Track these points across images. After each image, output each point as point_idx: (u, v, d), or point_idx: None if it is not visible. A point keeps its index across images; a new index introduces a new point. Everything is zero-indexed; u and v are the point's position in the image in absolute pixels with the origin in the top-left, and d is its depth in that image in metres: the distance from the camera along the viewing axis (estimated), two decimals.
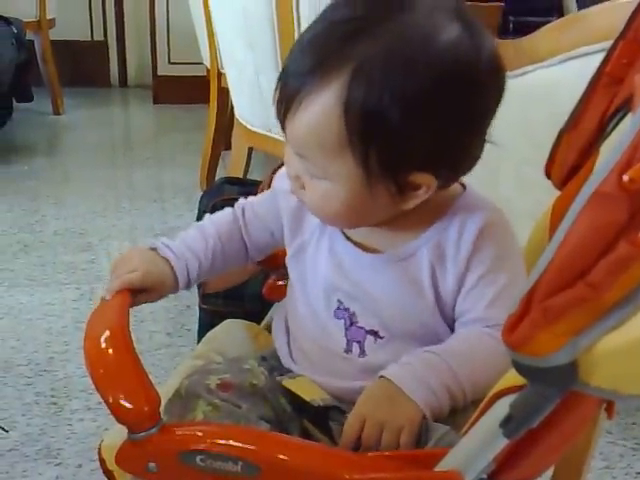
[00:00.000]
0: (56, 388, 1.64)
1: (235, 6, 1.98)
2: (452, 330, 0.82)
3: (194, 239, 0.91)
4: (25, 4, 3.54)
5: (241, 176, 2.17)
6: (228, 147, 2.68)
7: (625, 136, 0.50)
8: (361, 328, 0.83)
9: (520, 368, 0.56)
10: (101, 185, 2.88)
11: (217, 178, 2.38)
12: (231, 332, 1.00)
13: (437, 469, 0.65)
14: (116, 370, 0.73)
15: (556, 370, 0.54)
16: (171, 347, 1.78)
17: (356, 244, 0.84)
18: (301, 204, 0.85)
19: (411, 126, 0.72)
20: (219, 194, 1.67)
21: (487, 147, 1.50)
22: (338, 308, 0.84)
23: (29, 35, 3.53)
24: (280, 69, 1.90)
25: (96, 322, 0.77)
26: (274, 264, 1.01)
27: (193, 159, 2.91)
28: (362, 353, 0.83)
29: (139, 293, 0.84)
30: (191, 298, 1.87)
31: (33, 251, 2.30)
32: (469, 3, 1.77)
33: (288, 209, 0.89)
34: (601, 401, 0.66)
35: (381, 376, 0.76)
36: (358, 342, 0.83)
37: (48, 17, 3.67)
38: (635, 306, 0.51)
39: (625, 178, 0.49)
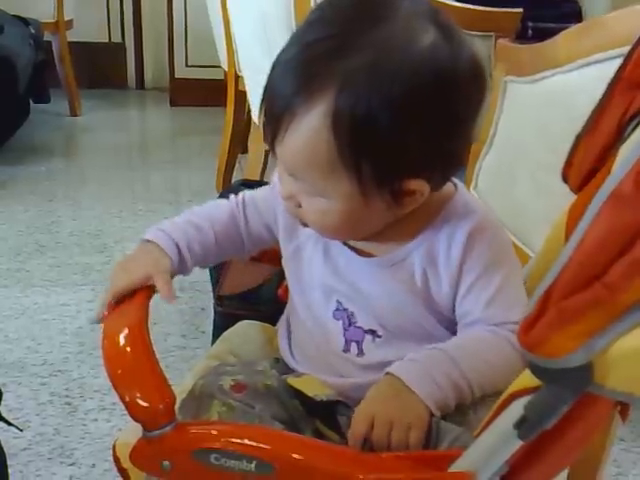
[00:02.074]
0: (70, 388, 1.65)
1: (254, 10, 1.99)
2: (448, 331, 0.83)
3: (187, 231, 0.90)
4: (43, 5, 3.56)
5: (258, 178, 2.18)
6: (245, 150, 2.69)
7: None
8: (359, 328, 0.84)
9: (535, 369, 0.56)
10: (117, 187, 2.90)
11: (234, 180, 2.39)
12: (246, 333, 1.01)
13: (450, 470, 0.65)
14: (133, 368, 0.73)
15: (571, 372, 0.54)
16: (186, 349, 1.78)
17: (350, 248, 0.85)
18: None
19: (399, 135, 0.72)
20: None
21: (503, 152, 1.50)
22: (337, 309, 0.85)
23: (47, 36, 3.55)
24: None
25: (115, 320, 0.78)
26: (267, 258, 1.01)
27: (210, 162, 2.92)
28: (360, 352, 0.84)
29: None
30: (206, 300, 1.88)
31: (49, 252, 2.31)
32: (488, 9, 1.78)
33: (284, 212, 0.89)
34: (615, 404, 0.65)
35: (387, 373, 0.77)
36: (356, 342, 0.85)
37: (66, 18, 3.69)
38: None
39: None
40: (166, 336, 1.83)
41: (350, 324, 0.85)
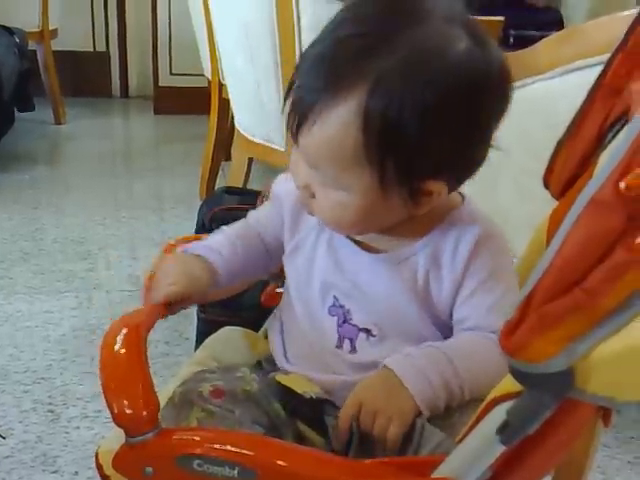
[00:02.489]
0: (53, 396, 1.64)
1: (236, 18, 1.99)
2: (442, 335, 0.83)
3: (220, 242, 0.92)
4: (28, 14, 3.55)
5: (241, 185, 2.18)
6: (228, 158, 2.70)
7: (621, 144, 0.51)
8: (354, 326, 0.84)
9: (517, 374, 0.56)
10: (101, 195, 2.89)
11: (217, 187, 2.40)
12: (229, 339, 1.01)
13: (433, 476, 0.65)
14: (121, 375, 0.73)
15: (553, 376, 0.54)
16: (169, 356, 1.78)
17: (355, 242, 0.86)
18: (296, 206, 0.87)
19: (427, 137, 0.73)
20: (219, 203, 1.67)
21: (486, 158, 1.51)
22: (333, 305, 0.86)
23: (31, 45, 3.54)
24: (281, 81, 1.92)
25: (116, 326, 0.78)
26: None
27: (193, 169, 2.92)
28: (353, 349, 0.85)
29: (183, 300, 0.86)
30: (189, 308, 1.87)
31: (32, 259, 2.30)
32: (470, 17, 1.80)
33: (288, 210, 0.90)
34: (597, 409, 0.66)
35: (384, 365, 0.77)
36: (350, 339, 0.85)
37: (50, 27, 3.68)
38: (631, 313, 0.51)
39: (622, 185, 0.50)
40: (149, 343, 1.81)
41: (345, 321, 0.85)
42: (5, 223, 2.56)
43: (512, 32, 2.07)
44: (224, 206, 1.65)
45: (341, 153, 0.75)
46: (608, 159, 0.51)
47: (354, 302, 0.84)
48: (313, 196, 0.81)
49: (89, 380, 1.68)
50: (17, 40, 3.29)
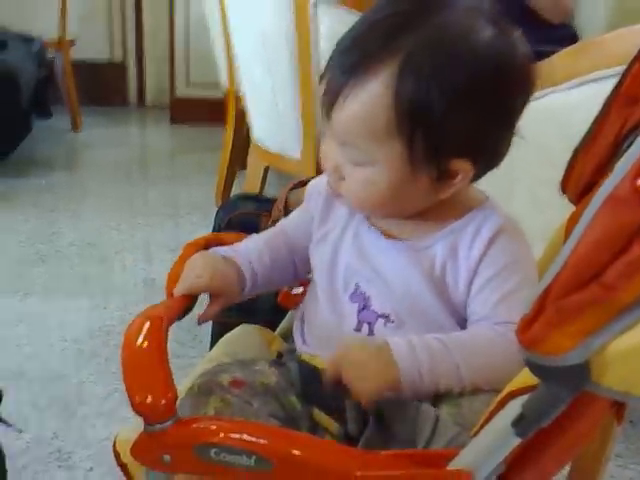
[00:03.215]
0: (69, 394, 1.66)
1: (254, 29, 2.01)
2: (459, 325, 0.85)
3: (248, 247, 0.95)
4: (46, 23, 3.58)
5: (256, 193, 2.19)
6: (244, 167, 2.71)
7: (639, 143, 0.52)
8: (374, 312, 0.86)
9: (533, 367, 0.57)
10: (117, 201, 2.91)
11: (232, 194, 2.41)
12: (245, 336, 1.03)
13: (449, 468, 0.66)
14: (140, 364, 0.74)
15: (568, 370, 0.55)
16: (183, 358, 1.79)
17: (379, 230, 0.88)
18: (331, 196, 0.90)
19: (455, 114, 0.76)
20: (235, 209, 1.69)
21: (502, 168, 1.52)
22: (354, 292, 0.87)
23: (50, 53, 3.57)
24: (297, 91, 1.94)
25: (138, 318, 0.79)
26: None
27: (208, 178, 2.94)
28: (371, 333, 0.86)
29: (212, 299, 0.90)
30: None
31: (49, 261, 2.33)
32: None
33: (318, 204, 0.93)
34: (611, 404, 0.67)
35: (385, 341, 0.79)
36: (368, 323, 0.86)
37: (69, 37, 3.71)
38: None
39: (639, 182, 0.51)
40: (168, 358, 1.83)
41: (365, 307, 0.87)
42: (23, 226, 2.59)
43: None
44: (240, 212, 1.67)
45: (372, 126, 0.78)
46: (626, 157, 0.52)
47: (374, 288, 0.86)
48: (343, 178, 0.83)
49: (104, 379, 1.70)
50: (36, 48, 3.32)
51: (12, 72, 3.00)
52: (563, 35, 2.26)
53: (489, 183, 1.47)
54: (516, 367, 0.63)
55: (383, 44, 0.77)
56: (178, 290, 0.87)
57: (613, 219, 0.53)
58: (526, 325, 0.56)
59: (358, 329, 0.87)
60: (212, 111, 3.54)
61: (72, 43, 3.79)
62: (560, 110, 1.25)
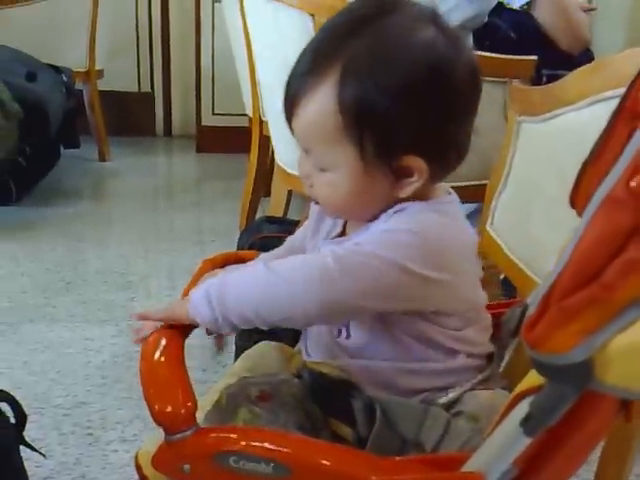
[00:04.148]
0: (92, 420, 1.67)
1: (277, 56, 2.05)
2: (411, 320, 0.86)
3: None
4: (75, 55, 3.67)
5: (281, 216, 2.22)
6: (267, 194, 2.75)
7: (632, 146, 0.54)
8: None
9: (538, 366, 0.58)
10: (143, 228, 2.96)
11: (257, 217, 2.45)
12: (265, 352, 1.04)
13: (462, 471, 0.67)
14: (161, 375, 0.77)
15: (573, 368, 0.56)
16: (206, 383, 1.80)
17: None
18: (322, 210, 0.94)
19: (396, 112, 0.80)
20: (258, 232, 1.72)
21: (518, 190, 1.53)
22: None
23: (78, 85, 3.65)
24: None
25: (156, 334, 0.82)
26: None
27: (233, 205, 2.97)
28: (348, 335, 0.89)
29: None
30: (228, 338, 1.91)
31: (75, 289, 2.36)
32: (504, 56, 1.84)
33: (312, 217, 0.98)
34: (619, 404, 0.68)
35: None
36: (346, 327, 0.89)
37: (97, 68, 3.80)
38: None
39: (632, 184, 0.53)
40: (187, 369, 1.85)
41: None
42: (50, 254, 2.63)
43: (545, 72, 2.10)
44: (263, 234, 1.69)
45: (323, 133, 0.82)
46: (621, 159, 0.54)
47: None
48: (312, 185, 0.87)
49: (128, 405, 1.72)
50: (65, 79, 3.39)
51: (41, 102, 3.07)
52: (581, 59, 2.29)
53: (507, 206, 1.49)
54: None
55: (328, 52, 0.82)
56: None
57: (610, 220, 0.55)
58: (531, 325, 0.58)
59: (339, 334, 0.90)
60: (237, 140, 3.60)
61: (100, 74, 3.87)
62: (573, 129, 1.26)
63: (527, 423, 0.62)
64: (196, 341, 2.07)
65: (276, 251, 1.04)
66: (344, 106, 0.80)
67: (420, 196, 0.86)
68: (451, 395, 0.83)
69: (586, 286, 0.55)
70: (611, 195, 0.54)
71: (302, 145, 0.86)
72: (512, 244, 1.44)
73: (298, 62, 0.85)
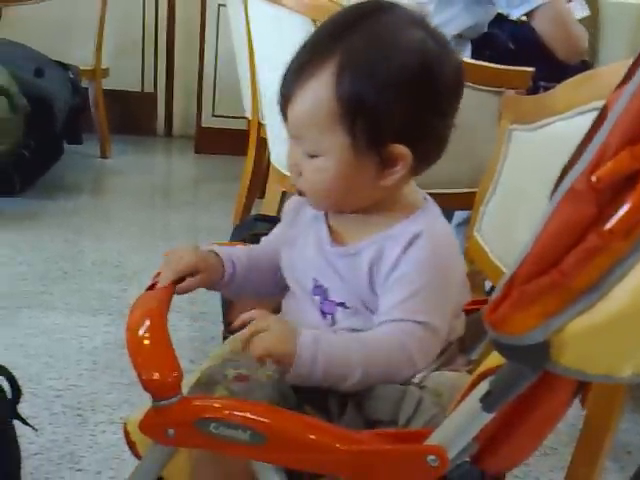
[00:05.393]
0: (83, 402, 1.72)
1: (279, 59, 2.10)
2: None
3: (231, 248, 1.06)
4: (82, 53, 3.71)
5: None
6: (262, 196, 2.78)
7: (595, 142, 0.58)
8: (332, 301, 0.95)
9: (499, 346, 0.63)
10: (139, 225, 3.00)
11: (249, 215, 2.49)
12: None
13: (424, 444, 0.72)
14: (149, 345, 0.81)
15: (530, 349, 0.61)
16: (194, 373, 1.85)
17: (332, 234, 0.97)
18: (298, 205, 1.01)
19: (388, 102, 0.87)
20: (250, 229, 1.75)
21: (505, 197, 1.57)
22: (315, 286, 0.96)
23: (84, 83, 3.68)
24: None
25: (140, 303, 0.87)
26: None
27: (228, 206, 3.02)
28: (333, 322, 0.95)
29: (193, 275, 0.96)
30: (215, 330, 1.95)
31: (71, 278, 2.41)
32: (501, 67, 1.88)
33: (289, 214, 1.04)
34: (577, 387, 0.72)
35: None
36: (331, 314, 0.95)
37: (103, 67, 3.84)
38: (601, 293, 0.58)
39: (593, 178, 0.57)
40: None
41: (325, 299, 0.95)
42: (48, 244, 2.68)
43: (542, 84, 2.14)
44: (254, 232, 1.73)
45: (318, 119, 0.88)
46: (584, 154, 0.59)
47: (330, 281, 0.95)
48: (300, 174, 0.93)
49: (117, 390, 1.77)
50: (71, 76, 3.43)
51: (47, 98, 3.10)
52: (579, 72, 2.32)
53: (494, 213, 1.53)
54: (399, 365, 0.81)
55: (326, 45, 0.89)
56: (164, 277, 0.94)
57: (571, 211, 0.59)
58: (494, 307, 0.62)
59: (323, 317, 0.95)
60: (236, 142, 3.63)
61: (106, 73, 3.91)
62: (560, 138, 1.30)
63: (486, 399, 0.66)
64: (185, 333, 2.12)
65: (249, 247, 1.08)
66: (341, 94, 0.87)
67: (399, 198, 0.94)
68: (421, 375, 0.87)
69: (547, 272, 0.60)
70: (573, 187, 0.58)
71: (294, 132, 0.92)
72: (498, 250, 1.47)
73: (296, 54, 0.92)
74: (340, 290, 0.94)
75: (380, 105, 0.87)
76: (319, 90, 0.88)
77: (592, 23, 2.53)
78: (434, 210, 0.97)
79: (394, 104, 0.87)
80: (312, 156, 0.91)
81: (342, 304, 0.94)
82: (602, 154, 0.57)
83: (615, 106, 0.57)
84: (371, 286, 0.92)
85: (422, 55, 0.88)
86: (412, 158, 0.90)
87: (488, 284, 1.75)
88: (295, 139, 0.93)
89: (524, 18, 2.21)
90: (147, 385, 0.78)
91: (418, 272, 0.89)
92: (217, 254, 1.01)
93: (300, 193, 0.96)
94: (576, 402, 0.79)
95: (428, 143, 0.92)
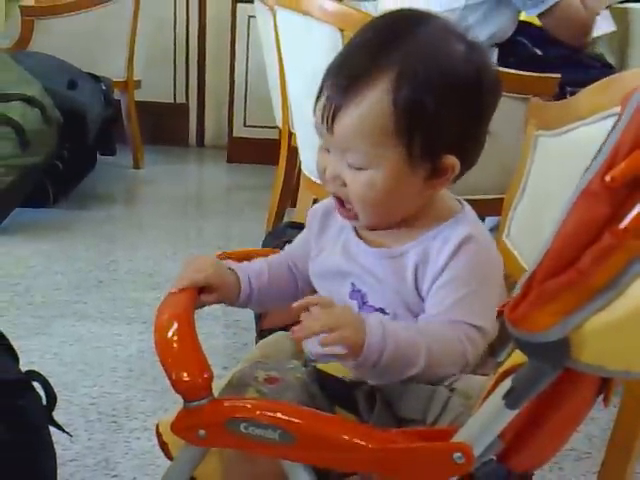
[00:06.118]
0: (117, 409, 1.75)
1: (306, 67, 2.12)
2: None
3: (250, 264, 1.06)
4: (115, 65, 3.78)
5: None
6: (293, 204, 2.81)
7: (609, 142, 0.60)
8: (371, 306, 0.95)
9: (520, 343, 0.64)
10: (172, 233, 3.04)
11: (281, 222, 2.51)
12: (279, 342, 1.10)
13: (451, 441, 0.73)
14: (178, 348, 0.84)
15: (550, 346, 0.62)
16: (223, 378, 1.87)
17: (364, 241, 0.97)
18: (326, 210, 1.01)
19: (444, 114, 0.87)
20: (282, 236, 1.77)
21: (533, 202, 1.57)
22: (352, 290, 0.96)
23: (116, 94, 3.75)
24: None
25: (166, 307, 0.89)
26: None
27: (260, 214, 3.04)
28: None
29: (204, 292, 0.97)
30: (248, 337, 1.98)
31: (106, 287, 2.45)
32: (527, 73, 1.89)
33: (315, 225, 1.03)
34: (599, 385, 0.73)
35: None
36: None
37: (135, 78, 3.91)
38: (617, 290, 0.60)
39: (607, 178, 0.59)
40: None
41: (363, 303, 0.95)
42: (83, 254, 2.72)
43: (569, 89, 2.14)
44: (286, 239, 1.75)
45: (376, 128, 0.87)
46: (598, 155, 0.60)
47: (368, 286, 0.95)
48: (344, 184, 0.91)
49: (151, 397, 1.79)
50: (104, 88, 3.49)
51: (81, 110, 3.16)
52: (605, 77, 2.32)
53: (522, 218, 1.54)
54: (457, 362, 0.83)
55: (375, 59, 0.87)
56: (178, 284, 0.95)
57: (587, 211, 0.60)
58: (514, 306, 0.64)
59: None
60: (267, 151, 3.67)
61: (138, 85, 3.98)
62: (585, 143, 1.31)
63: (509, 396, 0.67)
64: (218, 341, 2.14)
65: (270, 258, 1.08)
66: (398, 108, 0.86)
67: (437, 202, 0.95)
68: (453, 378, 0.88)
69: (564, 271, 0.61)
70: (588, 188, 0.60)
71: (341, 144, 0.89)
72: (526, 254, 1.48)
73: (336, 75, 0.90)
74: (378, 295, 0.94)
75: (437, 117, 0.87)
76: (376, 102, 0.86)
77: (623, 33, 2.51)
78: (472, 213, 0.97)
79: (450, 115, 0.88)
80: (360, 168, 0.89)
81: (381, 309, 0.94)
82: (615, 154, 0.59)
83: (627, 106, 0.59)
84: (416, 288, 0.92)
85: (472, 64, 0.89)
86: (459, 167, 0.90)
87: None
88: (340, 150, 0.90)
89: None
90: (177, 386, 0.80)
91: (470, 275, 0.89)
92: (235, 272, 1.01)
93: (339, 199, 0.94)
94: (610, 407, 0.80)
95: (474, 151, 0.93)
